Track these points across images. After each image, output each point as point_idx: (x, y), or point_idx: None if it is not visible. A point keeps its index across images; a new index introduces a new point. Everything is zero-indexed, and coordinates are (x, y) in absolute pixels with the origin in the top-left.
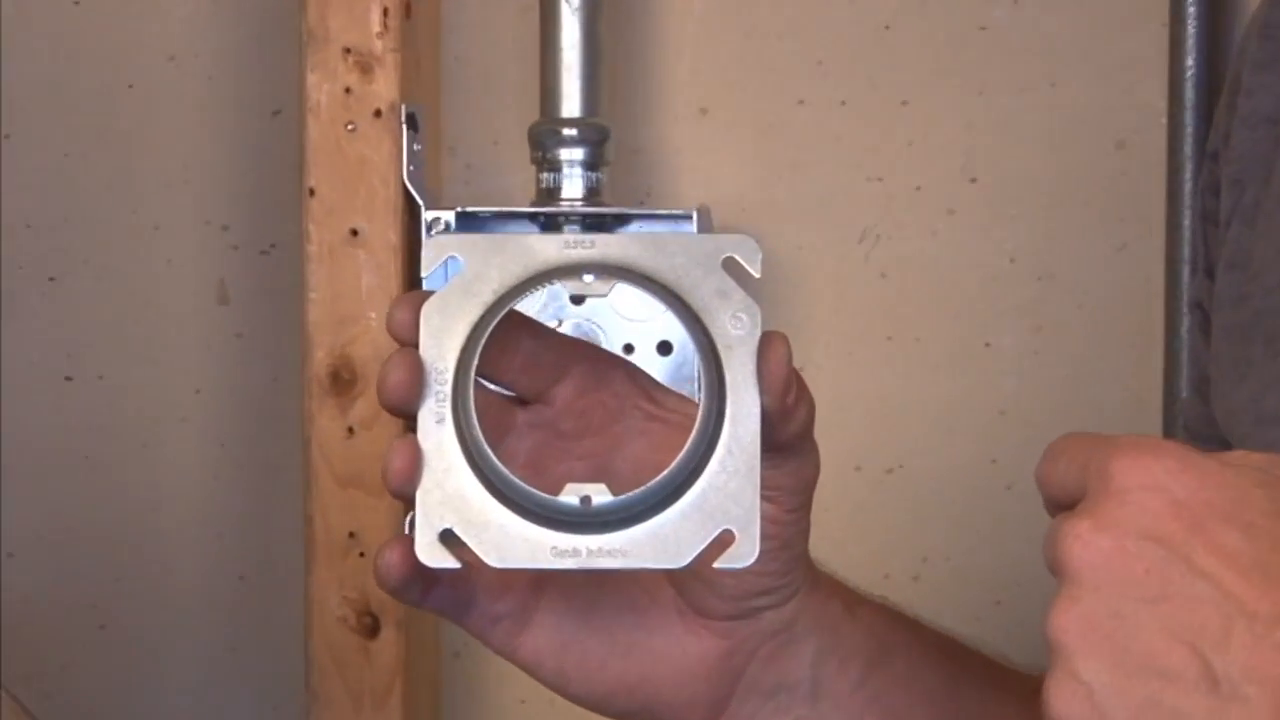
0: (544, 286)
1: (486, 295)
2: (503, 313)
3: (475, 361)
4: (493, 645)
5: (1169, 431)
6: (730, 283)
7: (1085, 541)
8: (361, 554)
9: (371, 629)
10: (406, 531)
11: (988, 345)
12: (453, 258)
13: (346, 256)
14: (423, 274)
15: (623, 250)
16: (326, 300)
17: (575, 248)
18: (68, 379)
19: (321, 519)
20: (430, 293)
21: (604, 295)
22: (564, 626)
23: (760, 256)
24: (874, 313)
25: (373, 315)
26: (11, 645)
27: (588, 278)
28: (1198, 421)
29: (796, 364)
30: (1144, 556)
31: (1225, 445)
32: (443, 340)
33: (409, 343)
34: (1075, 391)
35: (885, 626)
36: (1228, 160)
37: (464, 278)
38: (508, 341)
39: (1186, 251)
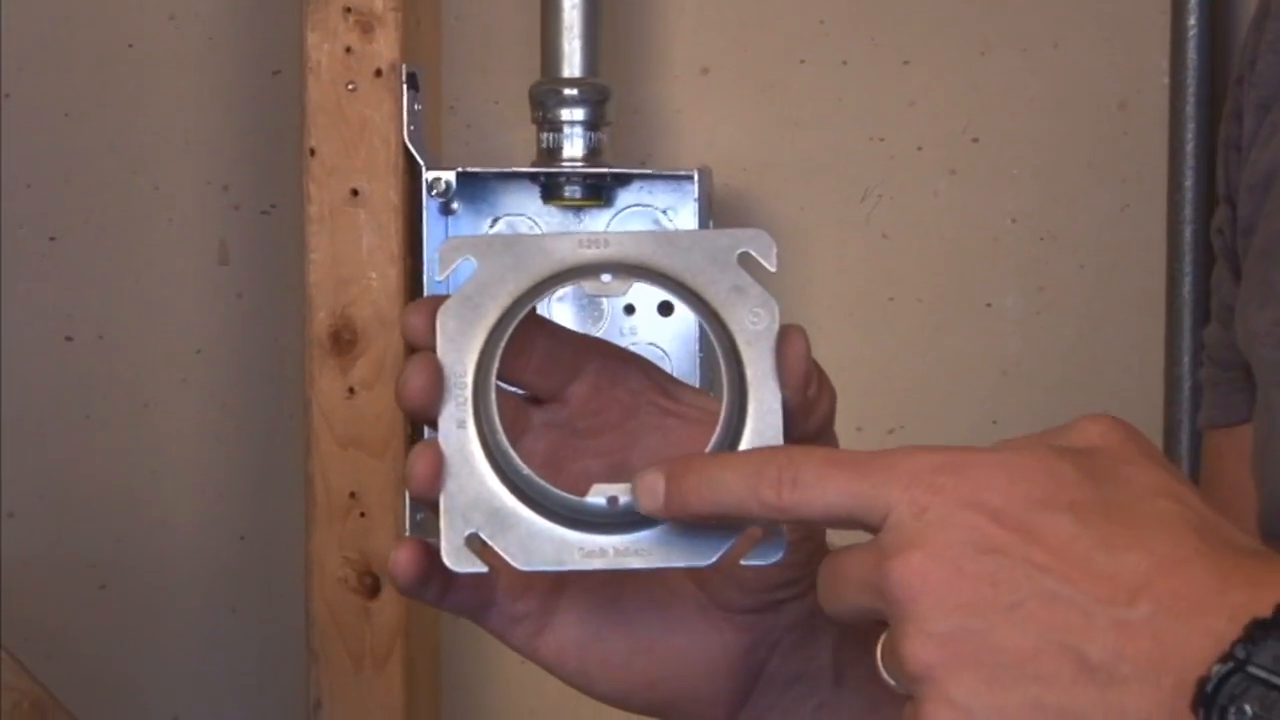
0: (560, 288)
1: (503, 298)
2: (520, 315)
3: (495, 364)
4: (513, 645)
5: (1171, 387)
6: (746, 278)
7: (923, 575)
8: (362, 514)
9: (372, 589)
10: (409, 532)
11: (989, 306)
12: (466, 259)
13: (347, 217)
14: (438, 277)
15: (638, 248)
16: (327, 261)
17: (590, 247)
18: (68, 339)
19: (322, 479)
20: (444, 297)
21: (621, 294)
22: (585, 625)
23: (775, 250)
24: (875, 273)
25: (373, 276)
26: (12, 605)
27: (605, 277)
28: (1219, 348)
29: (798, 323)
30: (985, 572)
31: (1248, 370)
32: (460, 344)
33: (425, 347)
34: (1077, 352)
35: None
36: (1253, 84)
37: (478, 280)
38: (523, 342)
39: (1189, 211)
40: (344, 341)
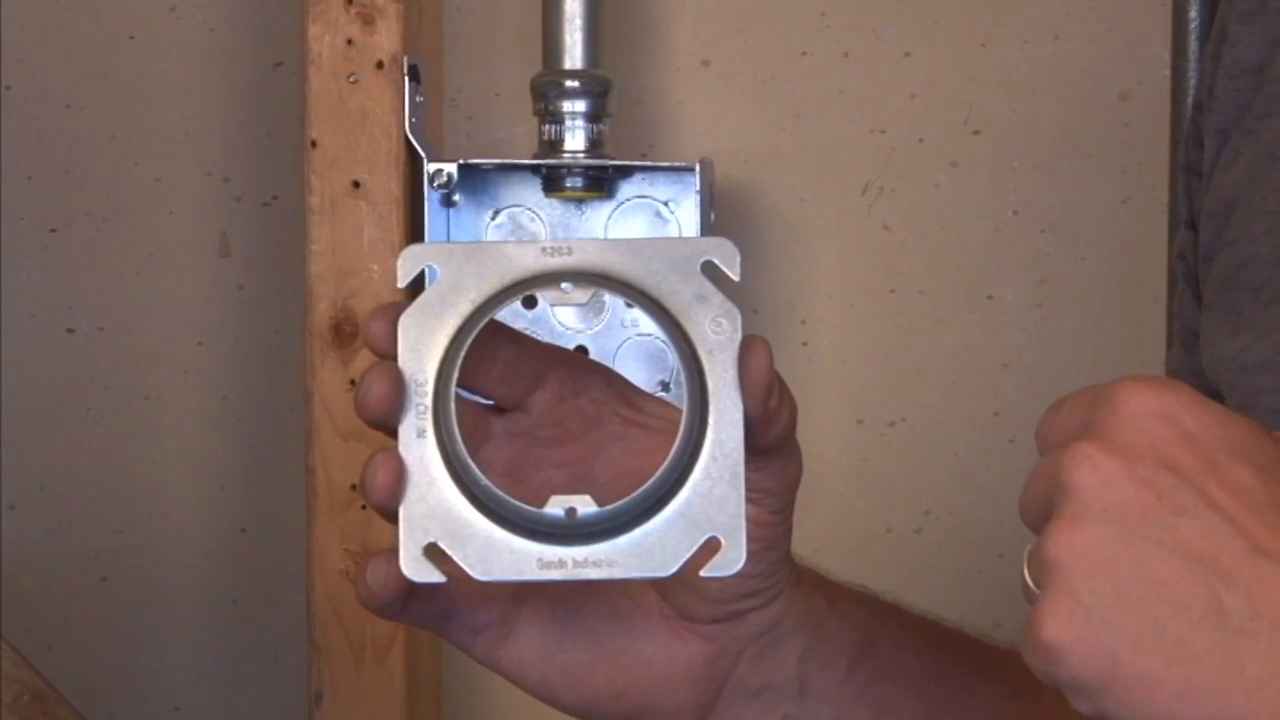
0: (521, 296)
1: (464, 306)
2: (481, 324)
3: (455, 373)
4: (476, 656)
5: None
6: (709, 287)
7: (1095, 463)
8: (363, 506)
9: None
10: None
11: (990, 298)
12: (430, 266)
13: (348, 209)
14: (399, 285)
15: (600, 256)
16: (328, 252)
17: (552, 255)
18: (69, 331)
19: (323, 471)
20: (407, 304)
21: (582, 304)
22: (548, 635)
23: (739, 259)
24: (877, 265)
25: (374, 268)
26: (13, 597)
27: (566, 286)
28: (1184, 373)
29: (800, 318)
30: (1156, 483)
31: (1215, 395)
32: (421, 352)
33: (387, 355)
34: (1079, 344)
35: (868, 618)
36: (1211, 110)
37: (440, 288)
38: (485, 350)
39: None
40: (345, 333)
